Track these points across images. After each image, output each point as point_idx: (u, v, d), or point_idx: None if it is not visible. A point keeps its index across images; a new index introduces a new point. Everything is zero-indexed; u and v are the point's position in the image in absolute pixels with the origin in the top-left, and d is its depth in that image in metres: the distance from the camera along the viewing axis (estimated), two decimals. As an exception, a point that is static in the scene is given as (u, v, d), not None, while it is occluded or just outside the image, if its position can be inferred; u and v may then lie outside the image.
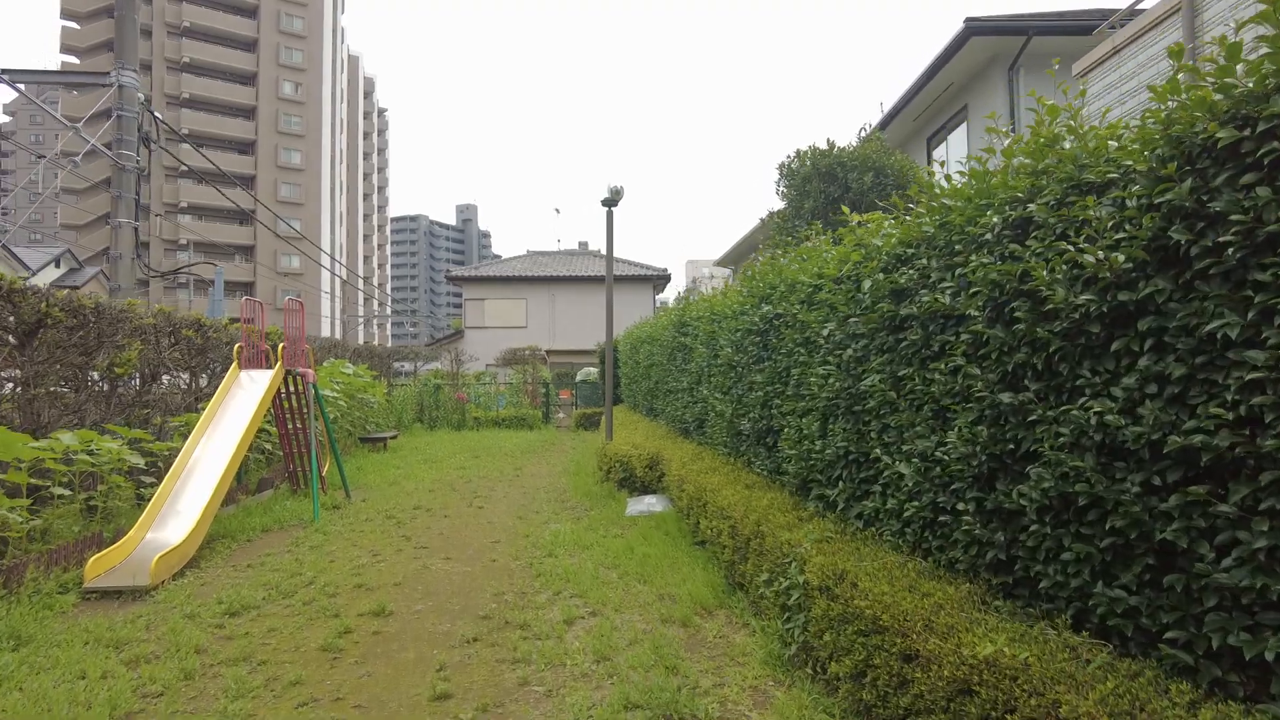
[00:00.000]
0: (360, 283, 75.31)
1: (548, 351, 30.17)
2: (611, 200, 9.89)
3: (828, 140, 8.67)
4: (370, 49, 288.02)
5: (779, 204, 9.37)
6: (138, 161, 12.58)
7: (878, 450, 3.74)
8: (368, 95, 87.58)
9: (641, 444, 9.08)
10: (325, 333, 59.59)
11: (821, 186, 8.29)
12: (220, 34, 55.80)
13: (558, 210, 40.84)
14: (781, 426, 5.24)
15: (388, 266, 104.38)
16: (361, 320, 79.15)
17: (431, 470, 11.48)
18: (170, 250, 50.94)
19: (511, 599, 5.13)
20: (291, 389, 8.64)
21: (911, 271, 3.44)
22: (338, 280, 58.69)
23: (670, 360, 10.01)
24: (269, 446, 9.40)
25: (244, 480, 8.78)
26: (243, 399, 7.56)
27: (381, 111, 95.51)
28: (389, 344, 79.02)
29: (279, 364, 7.87)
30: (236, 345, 7.84)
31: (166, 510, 6.18)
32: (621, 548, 6.26)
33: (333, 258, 58.72)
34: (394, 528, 7.50)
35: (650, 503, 8.11)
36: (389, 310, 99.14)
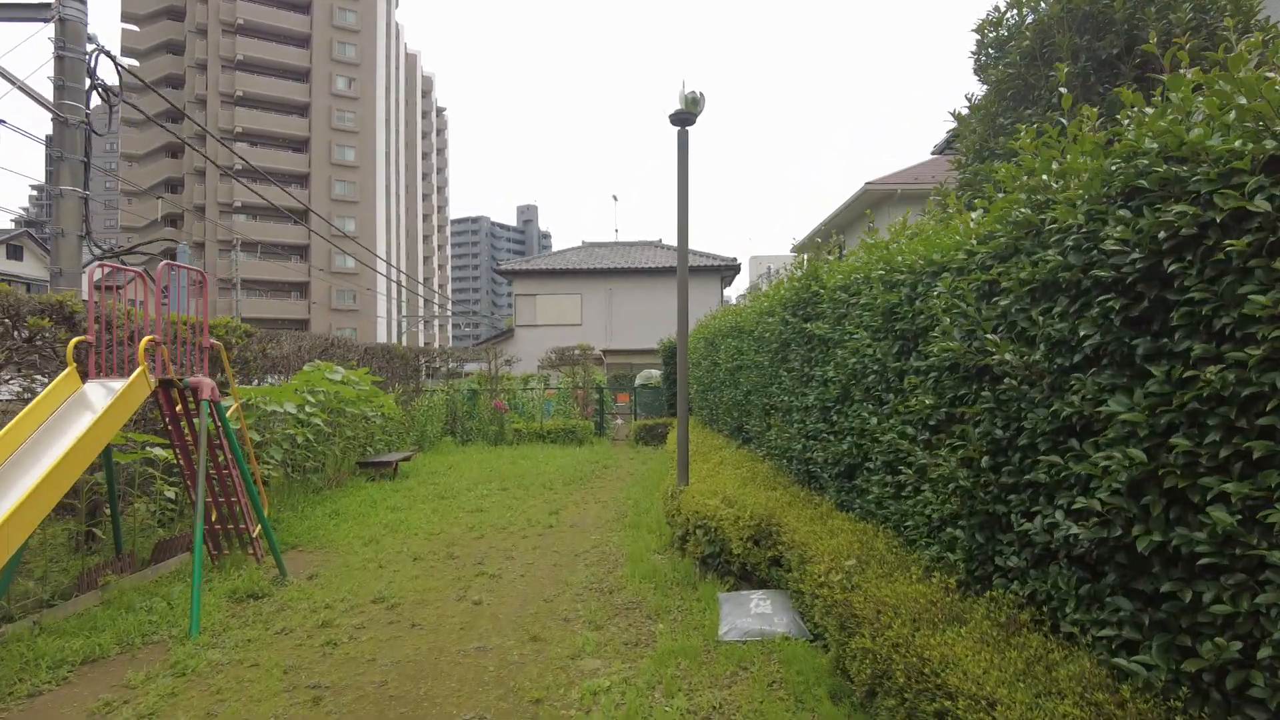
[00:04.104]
0: (419, 284, 74.13)
1: (604, 351, 26.97)
2: (686, 115, 6.42)
3: (1088, -38, 4.84)
4: (429, 47, 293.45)
5: (970, 95, 5.65)
6: (86, 115, 9.88)
7: None
8: (426, 94, 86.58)
9: (736, 496, 5.57)
10: (381, 334, 58.15)
11: (1081, 41, 4.52)
12: (274, 30, 54.93)
13: (615, 197, 37.65)
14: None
15: (448, 267, 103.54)
16: (422, 320, 77.90)
17: (436, 514, 8.27)
18: (225, 251, 50.19)
19: None
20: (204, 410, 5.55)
21: None
22: (394, 281, 57.11)
23: (777, 362, 6.48)
24: (173, 495, 6.34)
25: (125, 550, 5.71)
26: (72, 426, 4.44)
27: (440, 110, 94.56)
28: (449, 344, 77.59)
29: (139, 370, 4.72)
30: (74, 341, 4.73)
31: None
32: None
33: (387, 262, 57.26)
34: (316, 660, 4.24)
35: (762, 611, 4.61)
36: (449, 311, 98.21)
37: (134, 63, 52.77)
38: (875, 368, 4.01)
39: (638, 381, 20.08)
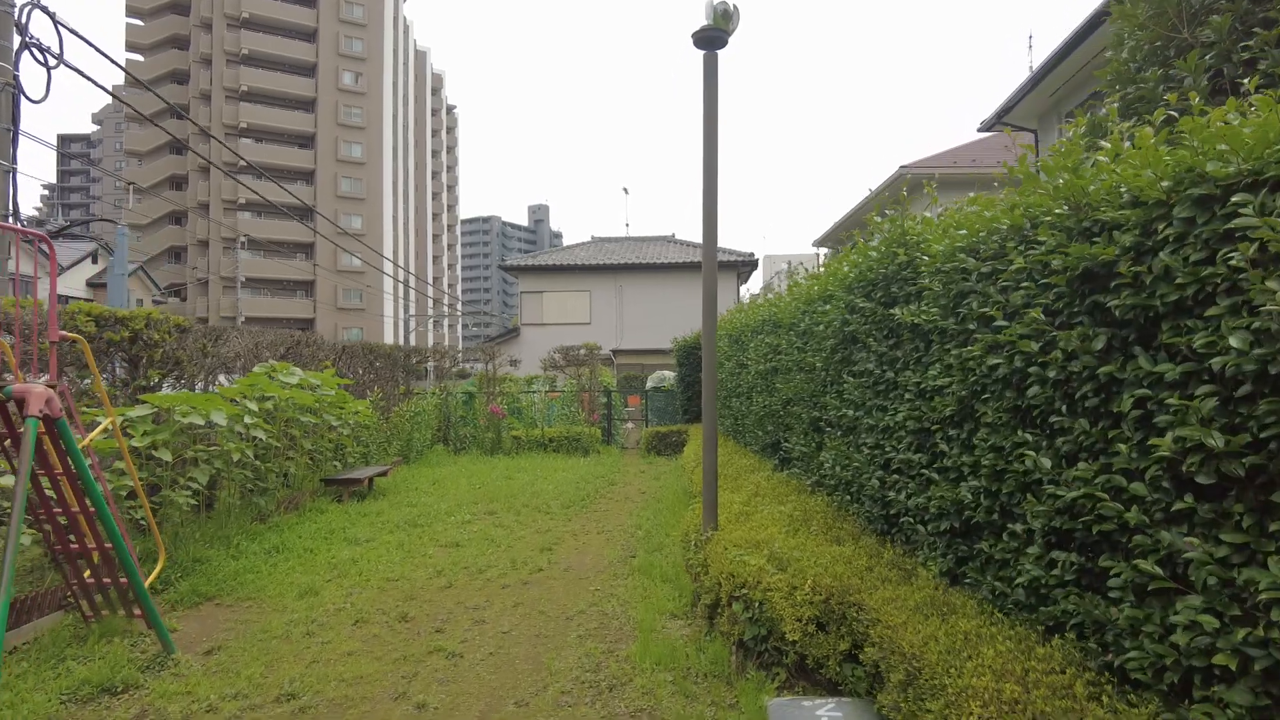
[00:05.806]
0: (428, 284, 72.90)
1: (614, 351, 25.43)
2: (715, 34, 4.82)
3: None
4: (439, 45, 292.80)
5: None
6: (14, 76, 8.46)
7: None
8: (435, 91, 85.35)
9: (787, 552, 3.97)
10: (389, 333, 56.82)
11: None
12: (280, 24, 53.77)
13: (626, 190, 36.06)
14: None
15: (458, 267, 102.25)
16: (432, 320, 76.47)
17: (401, 550, 6.73)
18: (229, 248, 49.09)
19: None
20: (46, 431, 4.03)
21: None
22: (400, 281, 55.78)
23: (835, 363, 4.88)
24: (29, 540, 4.84)
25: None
26: None
27: (450, 109, 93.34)
28: (460, 344, 76.16)
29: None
30: None
31: None
32: None
33: (394, 262, 55.96)
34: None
35: (839, 743, 3.02)
36: (458, 310, 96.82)
37: (138, 58, 51.83)
38: (1050, 374, 2.40)
39: (650, 384, 18.53)
